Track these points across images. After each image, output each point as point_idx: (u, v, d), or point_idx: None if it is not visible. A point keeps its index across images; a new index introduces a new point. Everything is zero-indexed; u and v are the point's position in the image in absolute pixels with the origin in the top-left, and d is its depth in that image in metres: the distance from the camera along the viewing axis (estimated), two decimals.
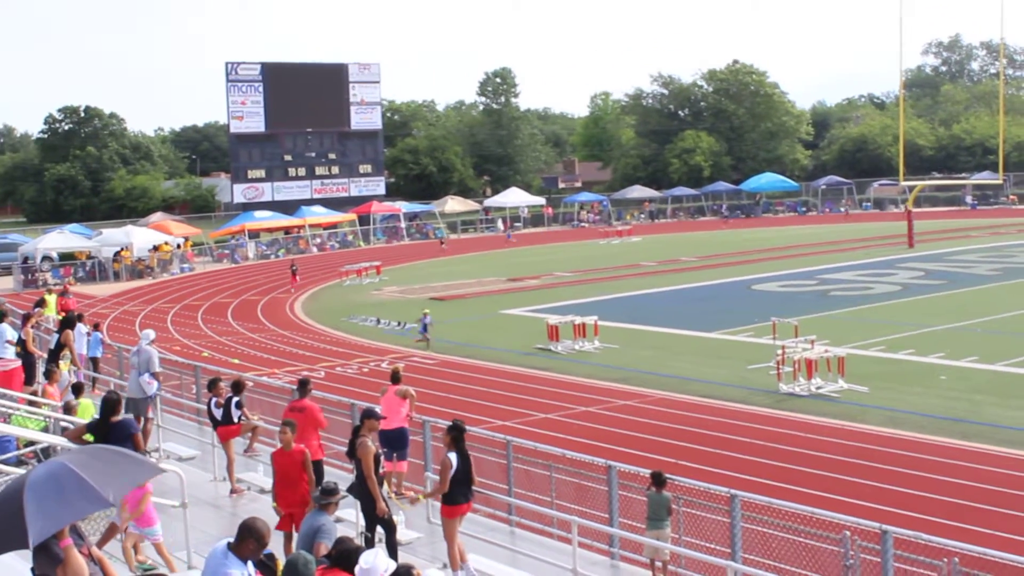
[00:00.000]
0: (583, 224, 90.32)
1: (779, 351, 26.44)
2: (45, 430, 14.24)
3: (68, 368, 20.98)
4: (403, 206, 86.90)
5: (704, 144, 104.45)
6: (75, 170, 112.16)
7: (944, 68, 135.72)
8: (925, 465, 19.18)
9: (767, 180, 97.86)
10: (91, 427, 12.50)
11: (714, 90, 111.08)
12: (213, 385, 16.63)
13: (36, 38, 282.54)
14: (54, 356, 21.19)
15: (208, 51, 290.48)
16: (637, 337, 34.64)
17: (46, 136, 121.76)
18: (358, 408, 15.99)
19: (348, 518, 13.16)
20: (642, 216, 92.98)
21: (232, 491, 15.70)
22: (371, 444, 12.16)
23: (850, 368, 26.02)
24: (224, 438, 16.07)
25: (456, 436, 12.21)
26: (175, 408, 22.45)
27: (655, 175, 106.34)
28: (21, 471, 10.88)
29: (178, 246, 67.93)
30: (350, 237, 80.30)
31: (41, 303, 32.58)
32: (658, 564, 12.83)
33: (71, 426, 14.05)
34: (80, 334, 23.48)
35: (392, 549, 11.65)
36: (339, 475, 14.86)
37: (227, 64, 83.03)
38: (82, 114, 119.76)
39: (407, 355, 33.01)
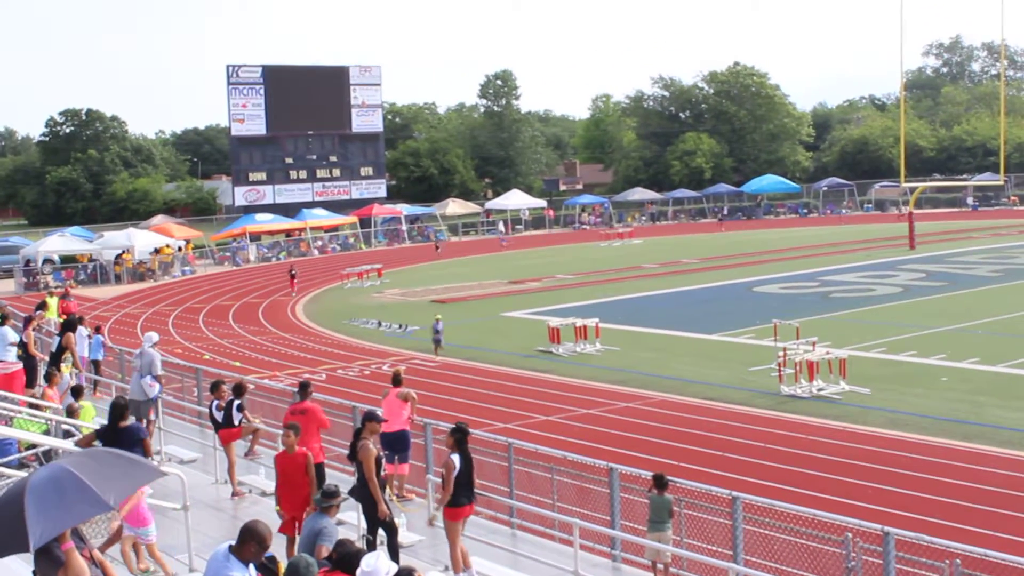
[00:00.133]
0: (584, 226, 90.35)
1: (780, 353, 26.43)
2: (47, 433, 14.25)
3: (69, 371, 20.97)
4: (404, 209, 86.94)
5: (705, 146, 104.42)
6: (76, 173, 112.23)
7: (945, 69, 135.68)
8: (927, 467, 19.17)
9: (768, 182, 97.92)
10: (100, 433, 12.52)
11: (715, 92, 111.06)
12: (216, 387, 16.63)
13: (37, 41, 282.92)
14: (55, 359, 21.19)
15: (209, 54, 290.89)
16: (638, 339, 34.63)
17: (47, 139, 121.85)
18: (359, 411, 16.00)
19: (350, 521, 13.16)
20: (643, 218, 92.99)
21: (233, 494, 15.70)
22: (372, 447, 12.16)
23: (852, 370, 26.00)
24: (225, 441, 16.07)
25: (460, 438, 12.22)
26: (176, 411, 22.46)
27: (656, 177, 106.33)
28: (23, 474, 10.89)
29: (179, 249, 67.97)
30: (351, 240, 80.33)
31: (42, 306, 32.54)
32: (660, 566, 12.82)
33: (73, 429, 14.07)
34: (81, 337, 23.49)
35: (394, 552, 11.65)
36: (340, 478, 14.85)
37: (228, 67, 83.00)
38: (83, 117, 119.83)
39: (408, 358, 33.01)
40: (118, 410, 12.56)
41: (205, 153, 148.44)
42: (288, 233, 77.88)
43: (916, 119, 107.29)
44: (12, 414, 14.52)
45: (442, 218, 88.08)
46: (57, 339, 22.40)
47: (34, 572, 7.08)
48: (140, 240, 65.87)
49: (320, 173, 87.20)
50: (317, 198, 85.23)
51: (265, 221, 77.18)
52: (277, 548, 9.00)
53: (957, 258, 53.01)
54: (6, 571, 8.46)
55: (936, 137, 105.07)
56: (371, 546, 11.42)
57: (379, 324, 40.57)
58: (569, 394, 26.81)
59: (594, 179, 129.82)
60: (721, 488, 13.37)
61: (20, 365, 18.93)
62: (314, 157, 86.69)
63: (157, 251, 65.10)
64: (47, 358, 21.88)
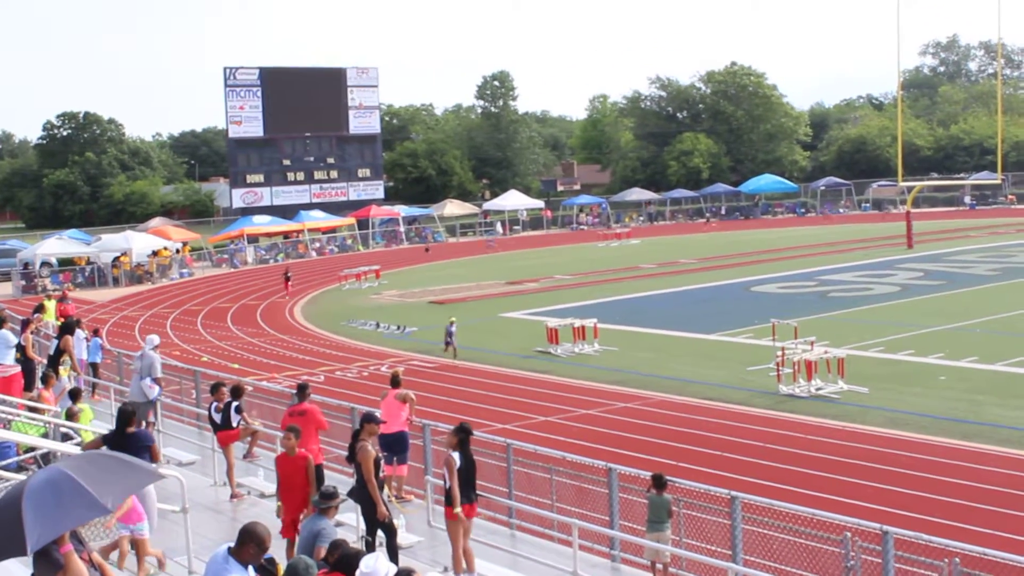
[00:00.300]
0: (582, 227, 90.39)
1: (779, 352, 26.43)
2: (45, 436, 14.23)
3: (68, 374, 20.96)
4: (402, 210, 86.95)
5: (703, 146, 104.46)
6: (74, 176, 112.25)
7: (942, 68, 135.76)
8: (925, 466, 19.18)
9: (766, 182, 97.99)
10: (107, 438, 12.51)
11: (712, 92, 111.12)
12: (216, 389, 16.61)
13: (35, 44, 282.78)
14: (54, 362, 21.18)
15: (206, 56, 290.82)
16: (636, 339, 34.64)
17: (45, 142, 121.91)
18: (358, 412, 15.99)
19: (349, 522, 13.16)
20: (641, 219, 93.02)
21: (232, 496, 15.69)
22: (371, 448, 12.15)
23: (850, 369, 26.01)
24: (224, 443, 16.06)
25: (463, 438, 12.24)
26: (175, 413, 22.45)
27: (654, 177, 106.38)
28: (21, 477, 10.88)
29: (177, 251, 67.92)
30: (349, 241, 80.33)
31: (40, 309, 32.53)
32: (659, 566, 12.82)
33: (72, 432, 14.06)
34: (79, 340, 23.49)
35: (393, 553, 11.65)
36: (339, 479, 14.85)
37: (225, 69, 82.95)
38: (81, 120, 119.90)
39: (407, 359, 33.00)
40: (125, 416, 12.55)
41: (202, 155, 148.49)
42: (286, 235, 77.88)
43: (913, 118, 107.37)
44: (10, 417, 14.50)
45: (440, 219, 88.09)
46: (55, 342, 22.39)
47: (33, 575, 7.07)
48: (138, 243, 65.79)
49: (318, 175, 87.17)
50: (315, 200, 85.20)
51: (263, 223, 77.14)
52: (277, 550, 9.01)
53: (955, 257, 53.05)
54: (5, 574, 8.46)
55: (933, 136, 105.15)
56: (370, 547, 11.42)
57: (377, 325, 40.57)
58: (567, 394, 26.82)
59: (592, 179, 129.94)
60: (720, 488, 13.38)
61: (18, 368, 18.91)
62: (311, 159, 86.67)
63: (155, 253, 65.06)
64: (45, 361, 21.87)
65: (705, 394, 26.23)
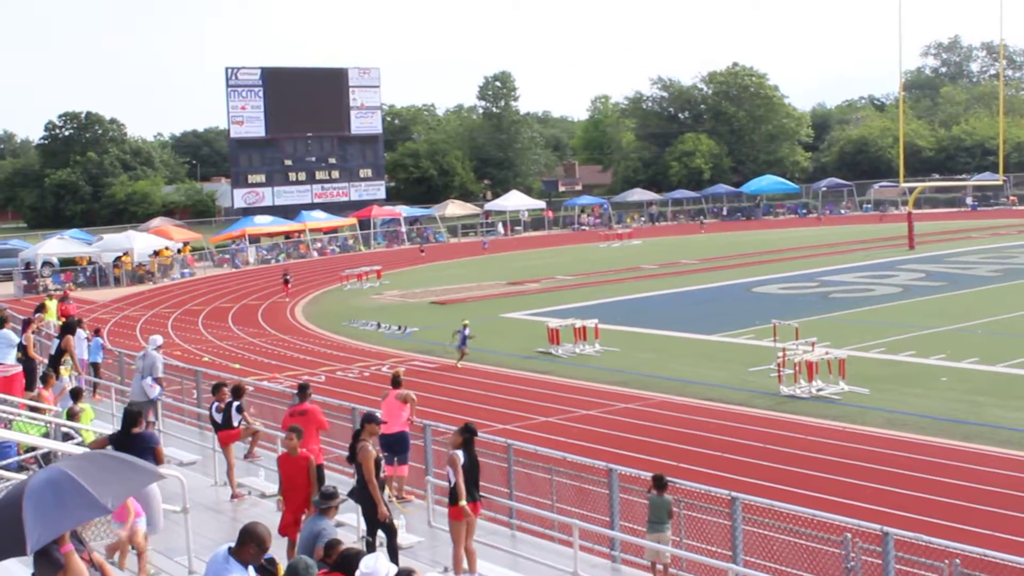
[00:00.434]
0: (583, 227, 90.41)
1: (780, 353, 26.43)
2: (46, 436, 14.24)
3: (69, 373, 20.98)
4: (403, 210, 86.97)
5: (704, 147, 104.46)
6: (75, 176, 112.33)
7: (944, 69, 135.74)
8: (926, 467, 19.18)
9: (767, 182, 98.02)
10: (112, 439, 12.52)
11: (714, 92, 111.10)
12: (217, 389, 16.63)
13: (36, 44, 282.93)
14: (55, 362, 21.19)
15: (208, 56, 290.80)
16: (638, 340, 34.64)
17: (47, 142, 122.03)
18: (359, 412, 16.00)
19: (349, 522, 13.17)
20: (642, 219, 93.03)
21: (233, 496, 15.70)
22: (372, 448, 12.16)
23: (851, 370, 26.01)
24: (224, 442, 16.07)
25: (468, 438, 12.26)
26: (176, 413, 22.47)
27: (655, 178, 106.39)
28: (22, 476, 10.89)
29: (178, 251, 67.95)
30: (351, 241, 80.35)
31: (41, 308, 32.57)
32: (659, 567, 12.83)
33: (73, 432, 14.06)
34: (80, 339, 23.51)
35: (393, 553, 11.65)
36: (340, 479, 14.86)
37: (227, 69, 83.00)
38: (82, 120, 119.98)
39: (408, 359, 33.01)
40: (131, 417, 12.54)
41: (204, 155, 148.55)
42: (287, 235, 77.91)
43: (915, 119, 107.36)
44: (11, 417, 14.51)
45: (441, 219, 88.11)
46: (56, 342, 22.41)
47: (34, 575, 7.07)
48: (139, 243, 65.82)
49: (319, 175, 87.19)
50: (316, 200, 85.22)
51: (264, 223, 77.16)
52: (277, 550, 9.01)
53: (956, 258, 53.04)
54: (5, 574, 8.46)
55: (935, 137, 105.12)
56: (371, 548, 11.42)
57: (378, 326, 40.58)
58: (568, 395, 26.82)
59: (593, 180, 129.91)
60: (720, 489, 13.39)
61: (19, 368, 18.92)
62: (313, 159, 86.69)
63: (156, 253, 65.10)
64: (46, 361, 21.89)
65: (706, 395, 26.23)
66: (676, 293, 46.16)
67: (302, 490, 12.01)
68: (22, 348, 20.67)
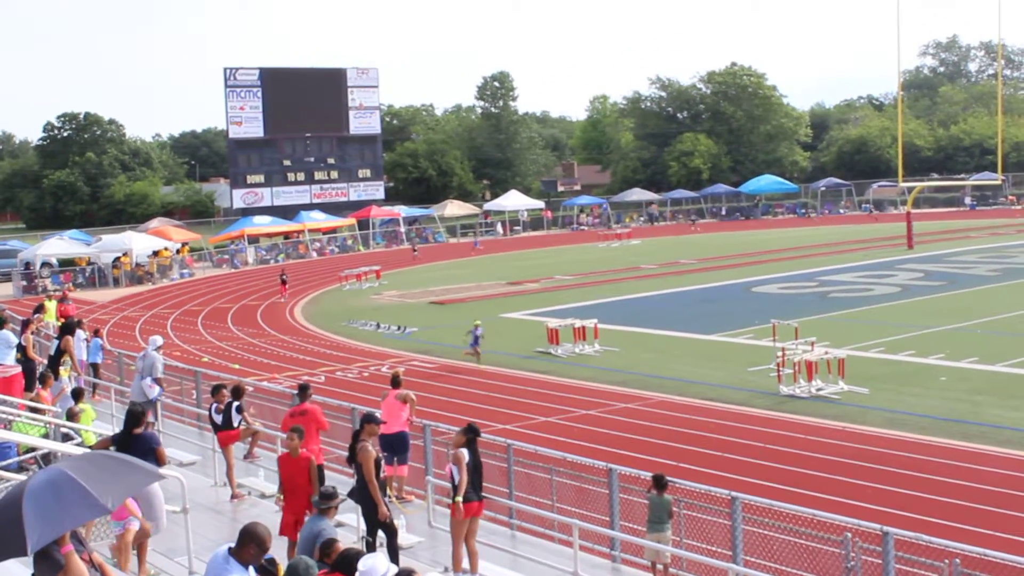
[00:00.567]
0: (582, 227, 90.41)
1: (779, 353, 26.43)
2: (45, 436, 14.24)
3: (68, 374, 20.98)
4: (402, 210, 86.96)
5: (703, 146, 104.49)
6: (74, 176, 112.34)
7: (942, 69, 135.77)
8: (926, 466, 19.18)
9: (766, 182, 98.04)
10: (115, 439, 12.51)
11: (712, 92, 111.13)
12: (216, 391, 16.64)
13: (35, 45, 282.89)
14: (54, 362, 21.20)
15: (207, 57, 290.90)
16: (637, 340, 34.64)
17: (45, 143, 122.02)
18: (358, 412, 16.00)
19: (349, 523, 13.17)
20: (641, 219, 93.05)
21: (232, 496, 15.70)
22: (372, 448, 12.16)
23: (850, 370, 26.00)
24: (224, 443, 16.08)
25: (471, 438, 12.29)
26: (175, 414, 22.46)
27: (654, 178, 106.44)
28: (22, 477, 10.89)
29: (177, 251, 67.95)
30: (349, 242, 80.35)
31: (40, 309, 32.59)
32: (659, 567, 12.83)
33: (72, 432, 14.06)
34: (80, 340, 23.50)
35: (393, 553, 11.66)
36: (340, 480, 14.86)
37: (225, 69, 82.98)
38: (81, 120, 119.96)
39: (407, 359, 33.01)
40: (133, 417, 12.50)
41: (203, 156, 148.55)
42: (286, 235, 77.91)
43: (914, 119, 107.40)
44: (11, 418, 14.51)
45: (440, 219, 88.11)
46: (56, 342, 22.41)
47: (33, 575, 7.06)
48: (138, 243, 65.83)
49: (318, 175, 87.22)
50: (315, 200, 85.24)
51: (263, 224, 77.16)
52: (277, 550, 9.01)
53: (955, 257, 53.05)
54: (5, 575, 8.46)
55: (934, 137, 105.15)
56: (371, 548, 11.43)
57: (378, 326, 40.57)
58: (568, 395, 26.82)
59: (592, 180, 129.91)
60: (720, 488, 13.39)
61: (19, 368, 18.93)
62: (312, 159, 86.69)
63: (155, 254, 65.09)
64: (45, 361, 21.89)
65: (705, 394, 26.22)
66: (675, 293, 46.16)
67: (303, 491, 12.00)
68: (21, 349, 20.68)
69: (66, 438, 13.96)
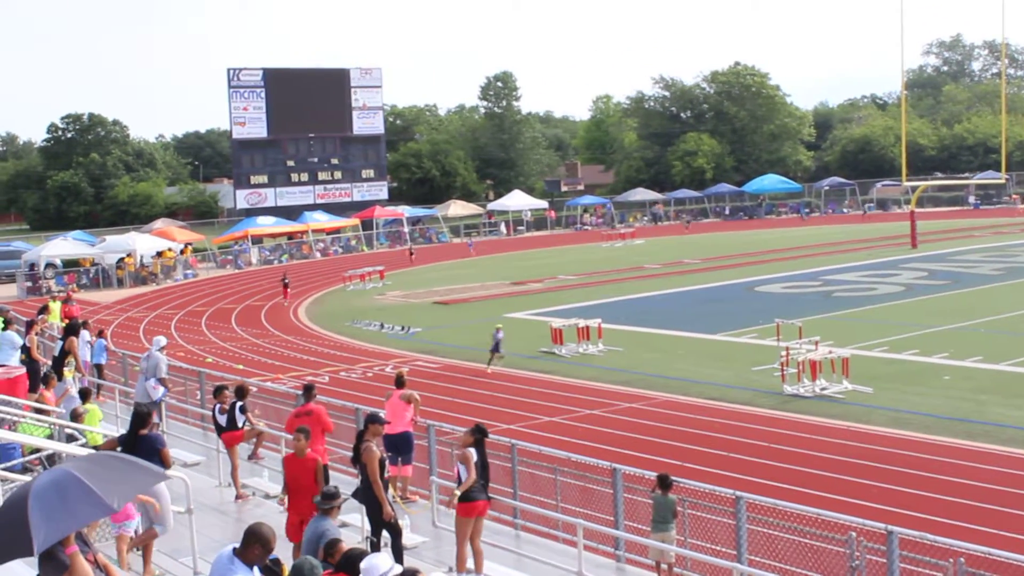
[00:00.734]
0: (586, 227, 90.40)
1: (783, 352, 26.42)
2: (50, 437, 14.26)
3: (72, 375, 21.00)
4: (406, 210, 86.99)
5: (706, 146, 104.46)
6: (78, 177, 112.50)
7: (946, 68, 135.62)
8: (930, 465, 19.17)
9: (769, 182, 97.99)
10: (121, 440, 12.51)
11: (716, 92, 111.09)
12: (219, 392, 16.66)
13: (39, 46, 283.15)
14: (58, 363, 21.21)
15: (210, 57, 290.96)
16: (641, 340, 34.63)
17: (49, 143, 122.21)
18: (362, 413, 16.01)
19: (353, 523, 13.18)
20: (645, 219, 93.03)
21: (237, 496, 15.71)
22: (376, 449, 12.17)
23: (854, 369, 25.99)
24: (229, 444, 16.09)
25: (479, 439, 12.32)
26: (180, 414, 22.49)
27: (658, 177, 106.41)
28: (26, 478, 10.90)
29: (181, 252, 68.02)
30: (353, 242, 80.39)
31: (45, 310, 32.59)
32: (663, 566, 12.83)
33: (77, 433, 14.08)
34: (84, 341, 23.53)
35: (398, 553, 11.66)
36: (344, 480, 14.86)
37: (229, 70, 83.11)
38: (85, 121, 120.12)
39: (411, 359, 33.03)
40: (140, 418, 12.49)
41: (206, 156, 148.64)
42: (290, 236, 77.97)
43: (917, 118, 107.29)
44: (16, 419, 14.53)
45: (444, 219, 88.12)
46: (60, 343, 22.43)
47: None
48: (142, 244, 65.92)
49: (321, 175, 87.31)
50: (319, 200, 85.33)
51: (267, 224, 77.26)
52: (282, 551, 9.02)
53: (959, 257, 52.99)
54: None
55: (937, 136, 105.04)
56: (375, 548, 11.43)
57: (381, 326, 40.58)
58: (572, 395, 26.82)
59: (595, 180, 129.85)
60: (725, 488, 13.38)
61: (23, 369, 18.94)
62: (315, 160, 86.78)
63: (159, 255, 65.16)
64: (49, 362, 21.91)
65: (709, 394, 26.22)
66: (679, 292, 46.15)
67: (308, 491, 11.99)
68: (26, 350, 20.69)
69: (70, 439, 13.97)
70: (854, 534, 11.56)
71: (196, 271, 66.74)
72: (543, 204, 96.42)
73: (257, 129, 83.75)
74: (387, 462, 12.46)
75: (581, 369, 30.40)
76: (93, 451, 11.69)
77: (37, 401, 16.55)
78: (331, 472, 14.56)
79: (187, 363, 30.05)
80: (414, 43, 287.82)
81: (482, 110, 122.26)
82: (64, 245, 66.70)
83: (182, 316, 47.21)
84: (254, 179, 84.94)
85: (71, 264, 63.24)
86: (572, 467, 15.71)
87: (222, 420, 16.18)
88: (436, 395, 25.97)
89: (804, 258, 56.11)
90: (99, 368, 25.11)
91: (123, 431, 13.60)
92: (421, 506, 15.35)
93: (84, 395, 16.27)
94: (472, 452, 12.15)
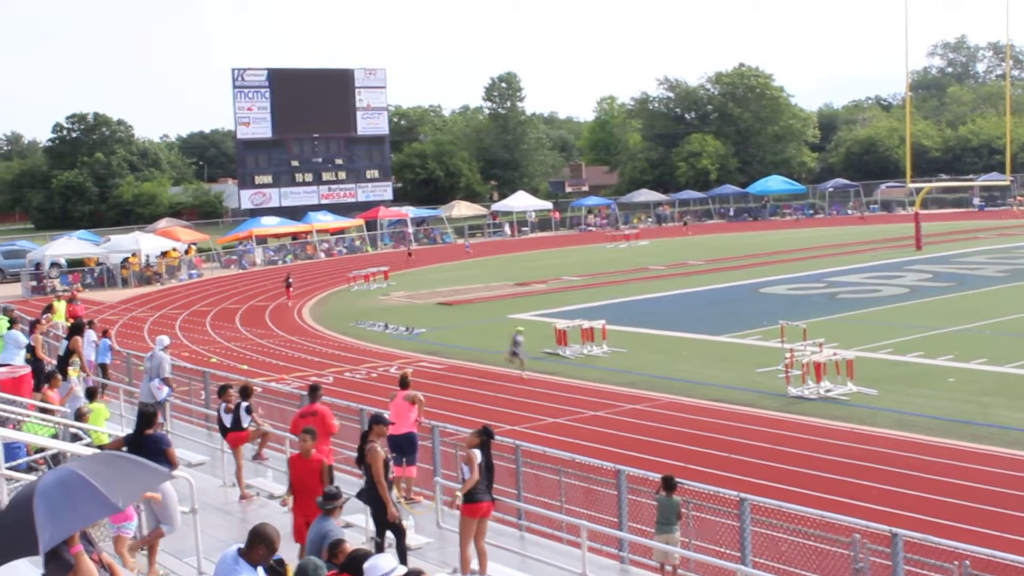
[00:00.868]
0: (590, 228, 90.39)
1: (787, 354, 26.41)
2: (55, 436, 14.28)
3: (77, 374, 21.02)
4: (410, 211, 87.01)
5: (711, 147, 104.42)
6: (83, 177, 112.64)
7: (950, 69, 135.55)
8: (934, 468, 19.14)
9: (774, 183, 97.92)
10: (127, 440, 12.52)
11: (720, 93, 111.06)
12: (223, 391, 16.66)
13: (43, 46, 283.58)
14: (63, 363, 21.24)
15: (215, 58, 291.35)
16: (645, 341, 34.62)
17: (54, 143, 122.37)
18: (367, 413, 16.02)
19: (358, 523, 13.18)
20: (649, 220, 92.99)
21: (241, 497, 15.72)
22: (380, 449, 12.18)
23: (859, 371, 25.96)
24: (234, 444, 16.10)
25: (485, 440, 12.34)
26: (184, 414, 22.49)
27: (662, 179, 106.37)
28: (31, 477, 10.92)
29: (185, 252, 68.09)
30: (357, 242, 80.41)
31: (49, 309, 32.60)
32: (668, 568, 12.83)
33: (81, 432, 14.09)
34: (89, 341, 23.55)
35: (402, 554, 11.68)
36: (348, 481, 14.87)
37: (233, 70, 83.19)
38: (90, 121, 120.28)
39: (415, 360, 33.03)
40: (146, 418, 12.50)
41: (211, 156, 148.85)
42: (294, 236, 78.01)
43: (922, 119, 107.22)
44: (21, 418, 14.54)
45: (448, 220, 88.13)
46: (64, 343, 22.46)
47: (43, 575, 7.09)
48: (147, 244, 65.98)
49: (326, 176, 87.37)
50: (323, 201, 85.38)
51: (271, 224, 77.30)
52: (287, 551, 9.03)
53: (964, 258, 52.93)
54: (15, 575, 8.48)
55: (942, 137, 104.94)
56: (379, 548, 11.44)
57: (386, 326, 40.58)
58: (576, 396, 26.81)
59: (600, 181, 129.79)
60: (729, 490, 13.38)
61: (28, 369, 18.97)
62: (320, 160, 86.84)
63: (164, 254, 65.23)
64: (54, 362, 21.93)
65: (714, 396, 26.20)
66: (683, 294, 46.12)
67: (313, 492, 12.00)
68: (31, 349, 20.71)
69: (75, 438, 13.99)
70: (858, 536, 11.57)
71: (200, 271, 66.78)
72: (547, 205, 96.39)
73: (261, 129, 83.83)
74: (391, 463, 12.46)
75: (585, 370, 30.38)
76: (98, 450, 11.71)
77: (40, 400, 16.57)
78: (335, 472, 14.60)
79: (191, 363, 30.08)
80: (418, 44, 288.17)
81: (486, 111, 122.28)
82: (69, 244, 66.78)
83: (186, 316, 47.24)
84: (258, 179, 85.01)
85: (75, 263, 63.29)
86: (576, 468, 15.72)
87: (227, 420, 16.19)
88: (440, 396, 25.96)
89: (809, 260, 56.06)
90: (103, 368, 25.11)
91: (127, 431, 13.63)
92: (425, 507, 15.37)
93: (91, 394, 16.29)
94: (476, 453, 12.17)
